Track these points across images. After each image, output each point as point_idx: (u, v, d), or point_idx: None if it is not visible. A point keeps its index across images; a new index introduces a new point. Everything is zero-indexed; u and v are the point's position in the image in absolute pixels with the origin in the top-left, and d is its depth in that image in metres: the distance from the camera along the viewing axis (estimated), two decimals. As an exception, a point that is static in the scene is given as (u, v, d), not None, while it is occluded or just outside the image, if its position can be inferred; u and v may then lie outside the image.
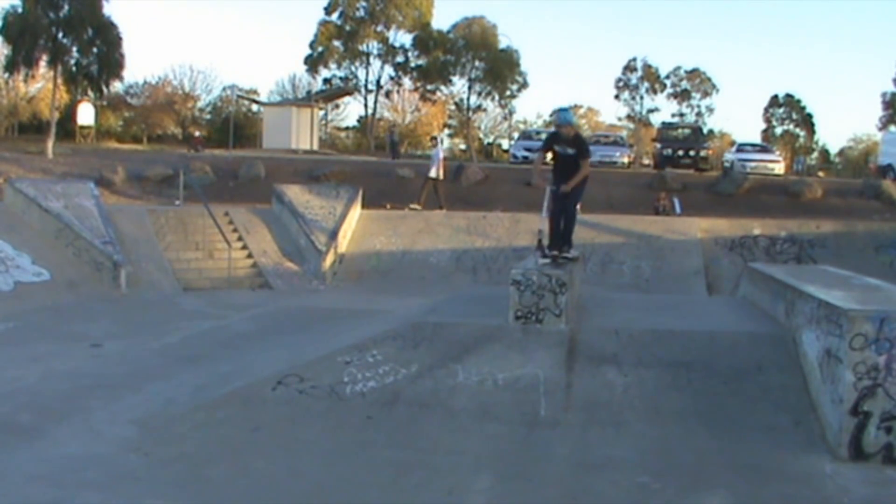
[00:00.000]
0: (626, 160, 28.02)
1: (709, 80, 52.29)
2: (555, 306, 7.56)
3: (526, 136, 32.78)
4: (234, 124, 35.61)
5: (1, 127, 42.03)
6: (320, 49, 46.15)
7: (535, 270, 7.73)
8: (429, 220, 17.98)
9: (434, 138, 22.62)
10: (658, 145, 27.77)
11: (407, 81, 46.99)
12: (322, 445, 6.13)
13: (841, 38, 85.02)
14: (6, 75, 34.85)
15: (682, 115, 51.28)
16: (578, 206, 8.86)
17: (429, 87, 44.93)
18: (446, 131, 56.19)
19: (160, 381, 7.84)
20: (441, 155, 19.69)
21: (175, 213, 16.92)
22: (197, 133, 39.05)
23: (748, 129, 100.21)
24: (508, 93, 44.76)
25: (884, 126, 45.28)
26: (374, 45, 46.34)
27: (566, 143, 8.35)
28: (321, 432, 6.38)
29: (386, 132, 33.54)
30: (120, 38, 28.18)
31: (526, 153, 27.18)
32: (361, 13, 45.47)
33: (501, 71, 42.77)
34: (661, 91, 52.46)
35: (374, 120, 47.59)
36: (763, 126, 54.61)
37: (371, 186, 19.74)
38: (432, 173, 19.32)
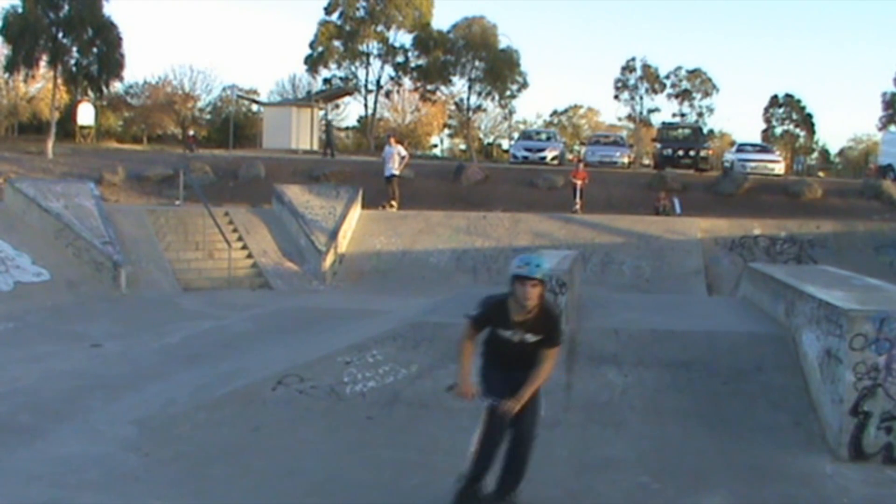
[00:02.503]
0: (626, 160, 28.07)
1: (709, 80, 52.33)
2: (555, 306, 7.55)
3: (526, 136, 32.80)
4: (234, 124, 35.63)
5: (1, 127, 42.02)
6: (320, 49, 46.16)
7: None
8: (429, 220, 17.99)
9: (389, 136, 22.36)
10: (658, 145, 27.79)
11: (407, 81, 47.05)
12: (322, 445, 6.12)
13: (841, 38, 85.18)
14: (6, 75, 34.88)
15: (682, 115, 51.31)
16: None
17: (429, 87, 44.97)
18: (446, 131, 56.25)
19: (160, 381, 7.85)
20: (394, 152, 19.52)
21: (175, 213, 16.92)
22: (191, 132, 39.06)
23: (748, 129, 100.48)
24: (508, 93, 44.83)
25: (884, 126, 45.33)
26: (374, 45, 46.34)
27: (524, 322, 4.62)
28: (321, 432, 6.38)
29: (320, 129, 32.32)
30: (120, 38, 28.25)
31: (526, 153, 27.22)
32: (361, 13, 45.47)
33: (501, 71, 42.82)
34: (661, 91, 52.49)
35: (374, 120, 47.60)
36: (763, 126, 54.70)
37: (371, 186, 19.74)
38: (387, 171, 19.38)
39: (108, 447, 5.98)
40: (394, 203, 19.25)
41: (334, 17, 46.09)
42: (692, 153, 26.05)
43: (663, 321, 8.11)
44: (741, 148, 28.61)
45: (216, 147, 35.05)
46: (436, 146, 56.68)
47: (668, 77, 52.44)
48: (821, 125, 75.63)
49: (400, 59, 46.10)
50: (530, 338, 4.69)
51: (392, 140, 20.57)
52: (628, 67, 52.37)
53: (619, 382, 6.94)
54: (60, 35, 27.31)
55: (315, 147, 34.07)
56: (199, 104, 49.55)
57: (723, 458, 5.87)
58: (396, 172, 19.49)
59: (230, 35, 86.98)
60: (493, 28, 43.51)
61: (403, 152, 20.23)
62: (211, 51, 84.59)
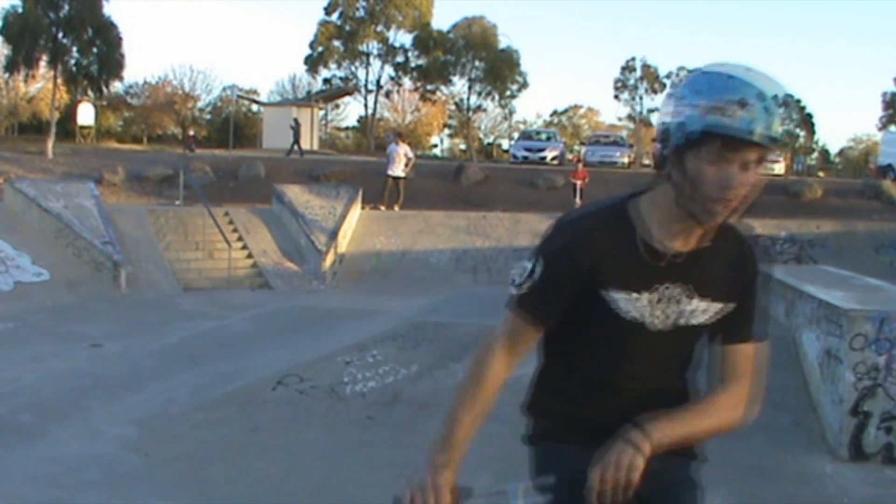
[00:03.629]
0: (626, 160, 28.11)
1: (709, 80, 52.31)
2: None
3: (526, 136, 32.84)
4: (234, 124, 35.66)
5: (1, 127, 42.04)
6: (320, 49, 46.19)
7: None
8: (429, 220, 17.99)
9: (398, 135, 21.74)
10: (658, 145, 27.80)
11: (407, 81, 47.07)
12: (322, 445, 6.12)
13: (841, 38, 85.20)
14: (6, 75, 34.92)
15: (682, 115, 51.30)
16: None
17: (429, 87, 44.98)
18: (446, 131, 56.28)
19: (160, 381, 7.84)
20: (400, 151, 19.17)
21: (175, 213, 16.92)
22: (191, 132, 39.12)
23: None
24: (508, 93, 44.84)
25: (884, 126, 45.34)
26: (374, 45, 46.39)
27: (689, 261, 1.76)
28: (321, 432, 6.37)
29: (290, 127, 30.89)
30: (120, 38, 28.33)
31: (526, 153, 27.24)
32: (361, 13, 45.51)
33: (501, 71, 42.84)
34: (661, 91, 52.49)
35: (374, 120, 47.61)
36: (763, 126, 54.66)
37: (371, 186, 19.72)
38: (390, 171, 19.08)
39: (108, 447, 5.97)
40: (395, 206, 18.98)
41: (334, 17, 46.13)
42: (692, 153, 26.02)
43: (663, 321, 8.08)
44: (741, 148, 28.59)
45: (216, 147, 35.05)
46: (436, 146, 56.75)
47: (668, 77, 52.44)
48: (821, 125, 75.72)
49: (400, 59, 46.12)
50: (715, 308, 1.91)
51: (398, 139, 20.29)
52: (628, 67, 52.45)
53: (619, 382, 6.92)
54: (60, 35, 27.34)
55: (315, 147, 34.11)
56: (199, 104, 49.63)
57: (723, 458, 5.82)
58: (403, 175, 19.11)
59: (230, 35, 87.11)
60: (493, 28, 43.56)
61: (410, 153, 19.84)
62: (211, 51, 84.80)
